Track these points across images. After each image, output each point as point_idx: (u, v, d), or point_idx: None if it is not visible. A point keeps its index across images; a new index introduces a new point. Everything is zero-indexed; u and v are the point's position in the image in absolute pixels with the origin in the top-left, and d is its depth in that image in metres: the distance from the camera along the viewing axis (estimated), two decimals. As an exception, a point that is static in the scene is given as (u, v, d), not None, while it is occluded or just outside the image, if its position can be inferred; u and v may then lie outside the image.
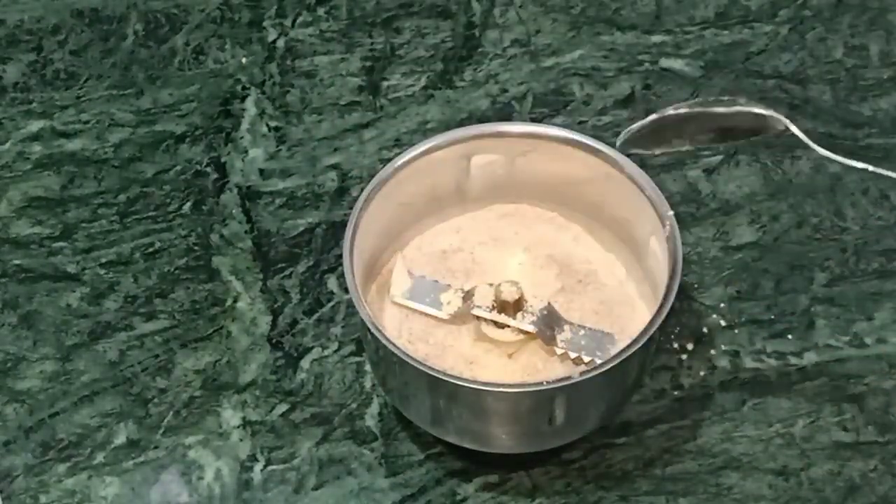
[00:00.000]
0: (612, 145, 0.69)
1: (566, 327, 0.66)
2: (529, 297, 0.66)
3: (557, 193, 0.70)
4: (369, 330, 0.62)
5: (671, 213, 0.65)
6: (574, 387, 0.61)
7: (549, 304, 0.66)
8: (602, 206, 0.69)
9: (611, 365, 0.61)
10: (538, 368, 0.66)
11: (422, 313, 0.67)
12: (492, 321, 0.65)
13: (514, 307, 0.65)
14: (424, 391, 0.63)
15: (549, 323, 0.65)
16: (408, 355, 0.62)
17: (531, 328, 0.65)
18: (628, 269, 0.69)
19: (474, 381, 0.62)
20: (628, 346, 0.62)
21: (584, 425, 0.65)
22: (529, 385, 0.62)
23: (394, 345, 0.62)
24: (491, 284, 0.66)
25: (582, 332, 0.66)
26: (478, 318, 0.66)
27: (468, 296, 0.66)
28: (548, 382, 0.61)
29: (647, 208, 0.66)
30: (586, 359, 0.65)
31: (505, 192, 0.71)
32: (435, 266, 0.69)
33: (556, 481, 0.68)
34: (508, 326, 0.65)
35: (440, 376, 0.61)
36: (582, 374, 0.61)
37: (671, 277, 0.63)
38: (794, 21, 0.84)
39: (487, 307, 0.65)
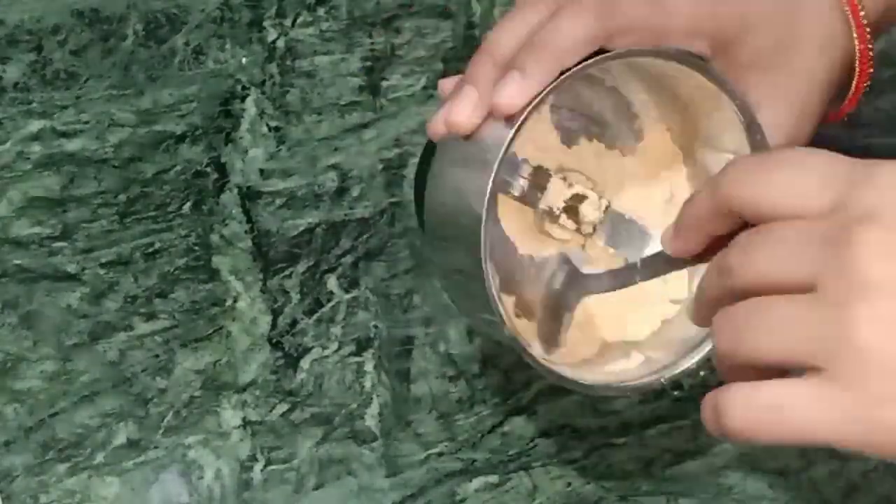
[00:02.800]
0: None
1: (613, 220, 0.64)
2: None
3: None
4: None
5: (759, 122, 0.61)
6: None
7: (609, 205, 0.64)
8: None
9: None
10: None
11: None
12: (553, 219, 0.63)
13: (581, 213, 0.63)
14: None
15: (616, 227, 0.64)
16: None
17: (603, 245, 0.64)
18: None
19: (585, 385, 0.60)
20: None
21: None
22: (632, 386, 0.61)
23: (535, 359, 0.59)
24: (563, 176, 0.63)
25: (624, 224, 0.64)
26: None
27: (535, 182, 0.63)
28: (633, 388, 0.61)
29: (736, 125, 0.61)
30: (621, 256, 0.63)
31: None
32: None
33: (556, 481, 0.68)
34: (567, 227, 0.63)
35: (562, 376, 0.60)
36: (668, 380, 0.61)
37: None
38: (794, 21, 0.84)
39: (557, 210, 0.63)
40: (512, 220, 0.64)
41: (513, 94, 0.57)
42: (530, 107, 0.57)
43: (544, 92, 0.57)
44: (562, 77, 0.58)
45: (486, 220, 0.57)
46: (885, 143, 0.78)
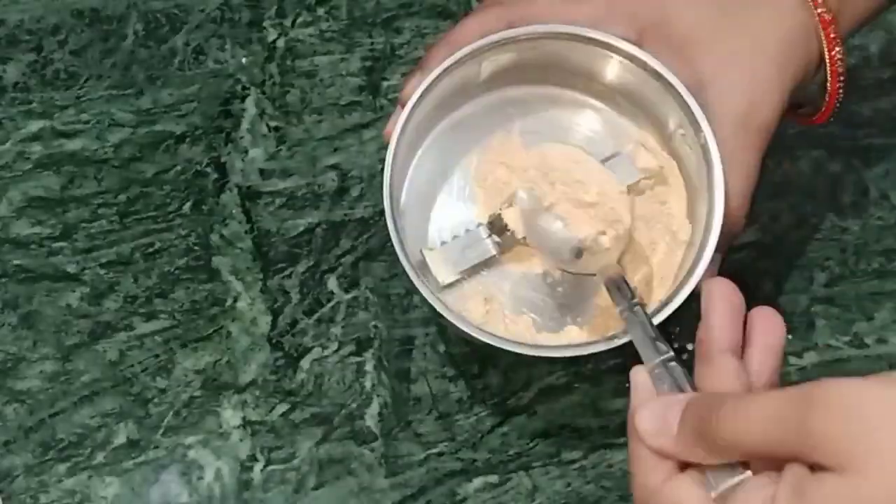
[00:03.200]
0: None
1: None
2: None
3: (573, 78, 0.68)
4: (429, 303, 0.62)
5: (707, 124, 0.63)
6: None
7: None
8: (623, 95, 0.67)
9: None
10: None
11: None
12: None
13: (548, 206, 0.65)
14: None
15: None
16: (471, 327, 0.62)
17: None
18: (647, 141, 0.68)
19: (541, 347, 0.62)
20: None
21: None
22: (579, 346, 0.62)
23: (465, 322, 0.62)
24: (510, 205, 0.66)
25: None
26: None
27: (499, 228, 0.66)
28: (599, 342, 0.61)
29: (670, 101, 0.64)
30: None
31: (512, 77, 0.68)
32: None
33: (556, 481, 0.68)
34: None
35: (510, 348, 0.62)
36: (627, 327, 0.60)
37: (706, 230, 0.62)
38: (794, 21, 0.84)
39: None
40: (511, 259, 0.67)
41: (412, 84, 0.64)
42: (418, 92, 0.64)
43: (431, 77, 0.64)
44: (449, 60, 0.64)
45: (390, 211, 0.63)
46: (885, 143, 0.78)
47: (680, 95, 0.63)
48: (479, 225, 0.67)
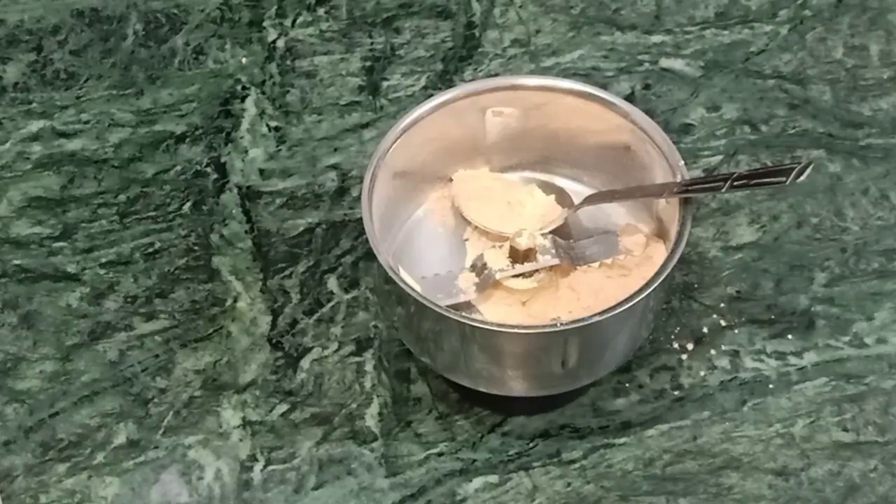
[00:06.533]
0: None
1: (574, 245, 0.69)
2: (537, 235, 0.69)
3: (569, 145, 0.72)
4: (388, 274, 0.64)
5: (682, 162, 0.67)
6: (586, 328, 0.63)
7: (551, 235, 0.69)
8: (615, 158, 0.71)
9: (620, 310, 0.63)
10: (550, 315, 0.68)
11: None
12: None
13: (529, 253, 0.68)
14: (442, 336, 0.65)
15: (565, 249, 0.69)
16: (427, 300, 0.63)
17: (556, 261, 0.68)
18: (638, 215, 0.71)
19: (490, 323, 0.64)
20: (638, 291, 0.63)
21: (597, 368, 0.67)
22: (544, 326, 0.64)
23: (413, 289, 0.64)
24: (494, 246, 0.69)
25: (587, 241, 0.70)
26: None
27: (479, 268, 0.68)
28: (562, 324, 0.63)
29: (658, 158, 0.68)
30: (600, 262, 0.69)
31: (518, 144, 0.72)
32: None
33: (556, 481, 0.68)
34: (525, 275, 0.68)
35: (458, 318, 0.63)
36: (594, 315, 0.63)
37: (682, 224, 0.65)
38: (794, 21, 0.84)
39: (506, 266, 0.68)
40: (493, 303, 0.69)
41: None
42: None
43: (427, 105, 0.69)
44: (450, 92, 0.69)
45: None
46: (885, 143, 0.78)
47: (663, 155, 0.68)
48: (463, 269, 0.69)
